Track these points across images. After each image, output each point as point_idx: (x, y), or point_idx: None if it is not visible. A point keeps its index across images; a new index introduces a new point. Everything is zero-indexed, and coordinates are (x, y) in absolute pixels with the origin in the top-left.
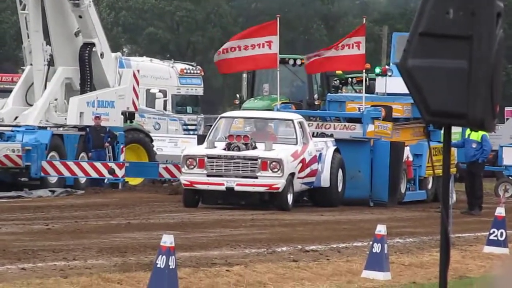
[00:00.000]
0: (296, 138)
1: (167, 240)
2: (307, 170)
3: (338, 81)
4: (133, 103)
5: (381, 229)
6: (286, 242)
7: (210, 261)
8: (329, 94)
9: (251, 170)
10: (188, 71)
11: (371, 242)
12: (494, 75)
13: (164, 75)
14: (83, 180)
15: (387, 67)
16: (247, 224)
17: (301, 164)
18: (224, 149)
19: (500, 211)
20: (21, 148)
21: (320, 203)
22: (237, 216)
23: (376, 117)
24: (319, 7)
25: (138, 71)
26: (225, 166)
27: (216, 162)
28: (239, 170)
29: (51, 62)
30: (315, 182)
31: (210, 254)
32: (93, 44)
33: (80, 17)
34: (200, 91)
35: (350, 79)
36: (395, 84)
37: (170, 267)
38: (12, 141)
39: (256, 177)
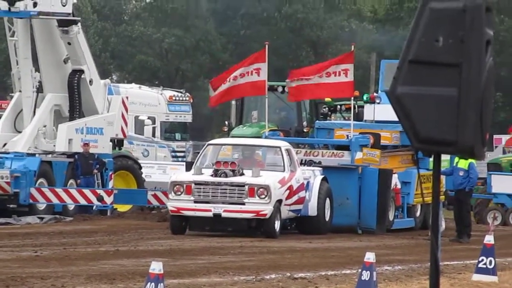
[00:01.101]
0: (284, 165)
1: (156, 267)
2: (295, 197)
3: (327, 108)
4: (122, 130)
5: (369, 257)
6: (274, 269)
7: None
8: (317, 121)
9: (238, 197)
10: (177, 98)
11: (359, 270)
12: (484, 102)
13: (153, 102)
14: (71, 207)
15: (375, 94)
16: (235, 251)
17: (288, 191)
18: (212, 175)
19: (489, 239)
20: (9, 174)
21: (308, 231)
22: (226, 243)
23: (365, 145)
24: (308, 34)
25: (127, 97)
26: (212, 192)
27: (204, 188)
28: (226, 197)
29: (40, 89)
30: (303, 210)
31: (199, 281)
32: (82, 71)
33: (69, 44)
34: (189, 118)
35: (339, 106)
36: (383, 111)
37: None
38: (1, 168)
39: (244, 204)
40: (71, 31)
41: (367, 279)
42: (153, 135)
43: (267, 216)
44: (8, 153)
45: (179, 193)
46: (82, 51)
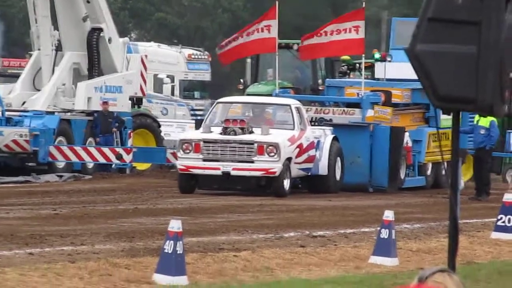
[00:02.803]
0: (293, 124)
1: (175, 225)
2: (305, 156)
3: (346, 66)
4: (141, 89)
5: (388, 215)
6: (293, 227)
7: (217, 247)
8: (327, 79)
9: (247, 155)
10: (196, 57)
11: (378, 228)
12: (503, 60)
13: (171, 60)
14: (90, 165)
15: (387, 52)
16: (254, 209)
17: (298, 149)
18: (220, 133)
19: (508, 197)
20: (28, 133)
21: (318, 190)
22: (245, 201)
23: (376, 102)
24: None
25: (146, 56)
26: (221, 150)
27: (212, 146)
28: (235, 155)
29: (59, 47)
30: (313, 169)
31: (217, 240)
32: (101, 29)
33: (88, 2)
34: (207, 76)
35: (357, 65)
36: (394, 69)
37: (178, 252)
38: (20, 126)
39: (253, 162)
40: None
41: (386, 237)
42: (172, 93)
43: (277, 174)
44: (27, 111)
45: (188, 151)
46: (101, 9)
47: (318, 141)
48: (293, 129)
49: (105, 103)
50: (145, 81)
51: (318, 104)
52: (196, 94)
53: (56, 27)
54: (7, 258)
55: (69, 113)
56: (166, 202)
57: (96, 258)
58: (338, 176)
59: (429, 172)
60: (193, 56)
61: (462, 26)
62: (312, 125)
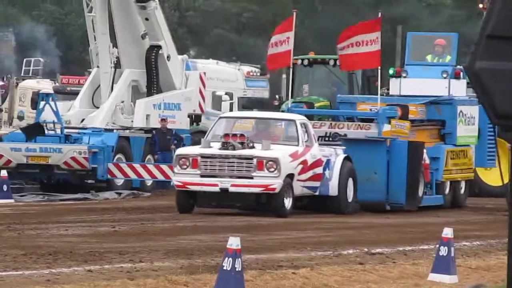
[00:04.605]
0: (298, 139)
1: (234, 242)
2: (309, 173)
3: None
4: (200, 106)
5: (448, 232)
6: (352, 244)
7: (276, 264)
8: (339, 95)
9: (246, 170)
10: (254, 74)
11: (437, 245)
12: None
13: (230, 77)
14: (149, 182)
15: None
16: (313, 226)
17: (301, 166)
18: (219, 148)
19: None
20: (87, 150)
21: (327, 211)
22: (303, 219)
23: (392, 116)
24: (384, 10)
25: (205, 73)
26: (219, 166)
27: (210, 161)
28: (234, 170)
29: (117, 65)
30: (322, 189)
31: (276, 257)
32: (159, 47)
33: (147, 19)
34: (266, 93)
35: None
36: (409, 85)
37: (237, 269)
38: (79, 143)
39: (252, 178)
40: (148, 7)
41: (445, 254)
42: (231, 110)
43: (276, 191)
44: (86, 128)
45: (185, 166)
46: (159, 26)
47: (328, 160)
48: (298, 145)
49: (163, 120)
50: (203, 98)
51: (332, 119)
52: (255, 111)
53: (115, 45)
54: (66, 275)
55: (127, 131)
56: (224, 219)
57: (155, 275)
58: (350, 197)
59: (447, 190)
60: (251, 73)
61: None
62: (326, 141)
